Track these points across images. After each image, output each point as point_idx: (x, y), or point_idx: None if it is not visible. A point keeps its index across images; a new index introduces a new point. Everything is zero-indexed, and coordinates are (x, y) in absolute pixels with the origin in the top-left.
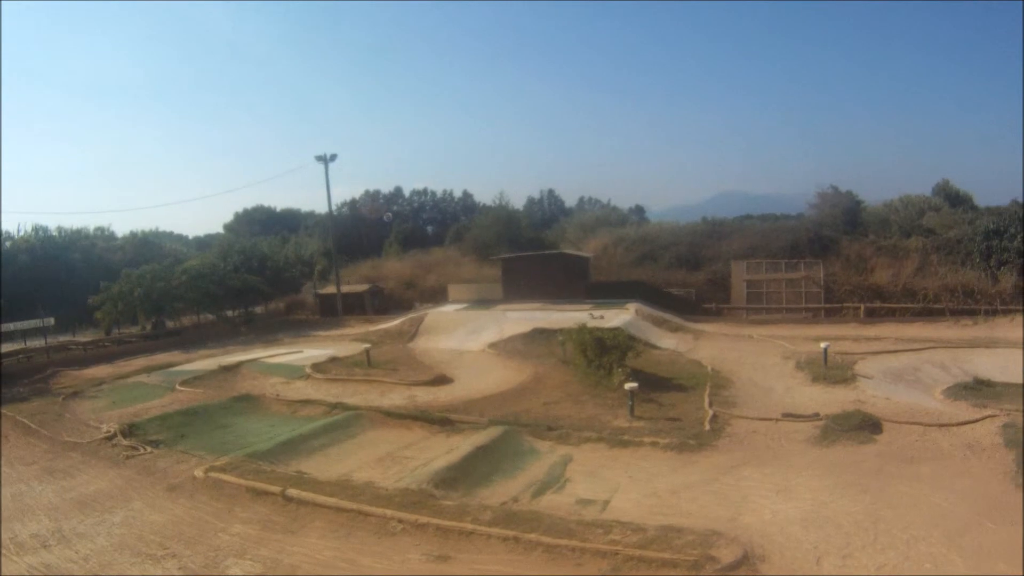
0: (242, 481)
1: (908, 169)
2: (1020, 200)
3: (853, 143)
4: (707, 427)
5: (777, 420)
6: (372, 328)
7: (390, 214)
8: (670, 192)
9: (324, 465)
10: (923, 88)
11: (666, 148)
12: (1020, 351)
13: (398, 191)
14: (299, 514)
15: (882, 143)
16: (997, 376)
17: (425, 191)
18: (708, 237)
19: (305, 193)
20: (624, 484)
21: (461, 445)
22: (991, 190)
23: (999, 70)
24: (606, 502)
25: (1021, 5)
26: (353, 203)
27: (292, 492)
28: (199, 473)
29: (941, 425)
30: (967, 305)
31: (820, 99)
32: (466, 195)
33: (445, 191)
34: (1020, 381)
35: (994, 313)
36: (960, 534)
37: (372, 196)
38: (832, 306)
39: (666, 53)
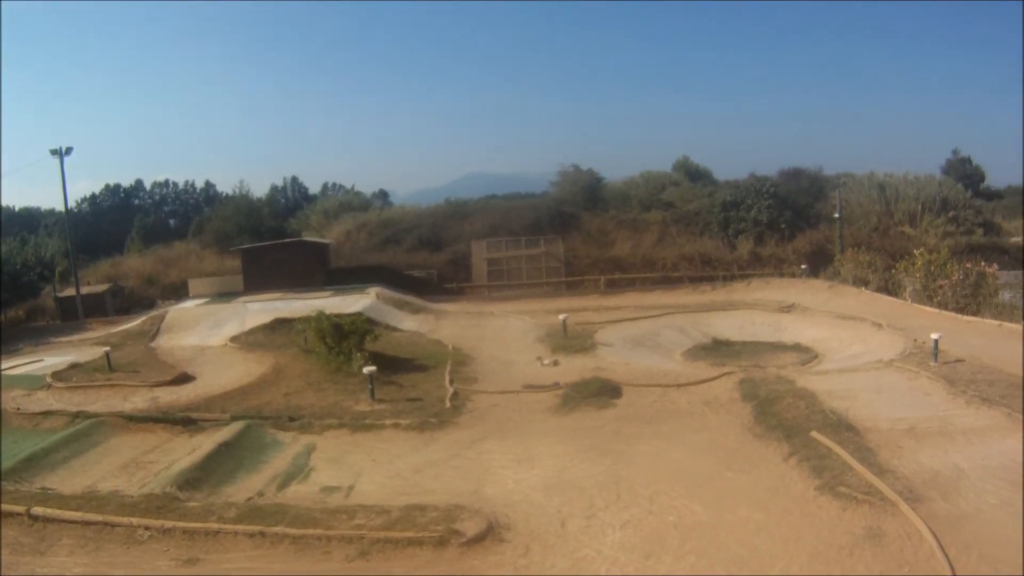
0: None
1: (650, 147)
2: (757, 174)
3: (598, 123)
4: (448, 404)
5: (518, 392)
6: (114, 330)
7: None
8: (416, 175)
9: (69, 478)
10: (661, 69)
11: (409, 131)
12: (754, 312)
13: (139, 184)
14: (47, 532)
15: (626, 123)
16: (735, 336)
17: (167, 183)
18: (451, 218)
19: (45, 190)
20: (368, 468)
21: (204, 444)
22: (729, 165)
23: (741, 55)
24: (351, 487)
25: None
26: (93, 198)
27: (37, 510)
28: None
29: (679, 385)
30: (705, 272)
31: (564, 79)
32: (208, 185)
33: (187, 182)
34: (754, 340)
35: (731, 278)
36: (701, 485)
37: (112, 190)
38: (573, 279)
39: (402, 37)
